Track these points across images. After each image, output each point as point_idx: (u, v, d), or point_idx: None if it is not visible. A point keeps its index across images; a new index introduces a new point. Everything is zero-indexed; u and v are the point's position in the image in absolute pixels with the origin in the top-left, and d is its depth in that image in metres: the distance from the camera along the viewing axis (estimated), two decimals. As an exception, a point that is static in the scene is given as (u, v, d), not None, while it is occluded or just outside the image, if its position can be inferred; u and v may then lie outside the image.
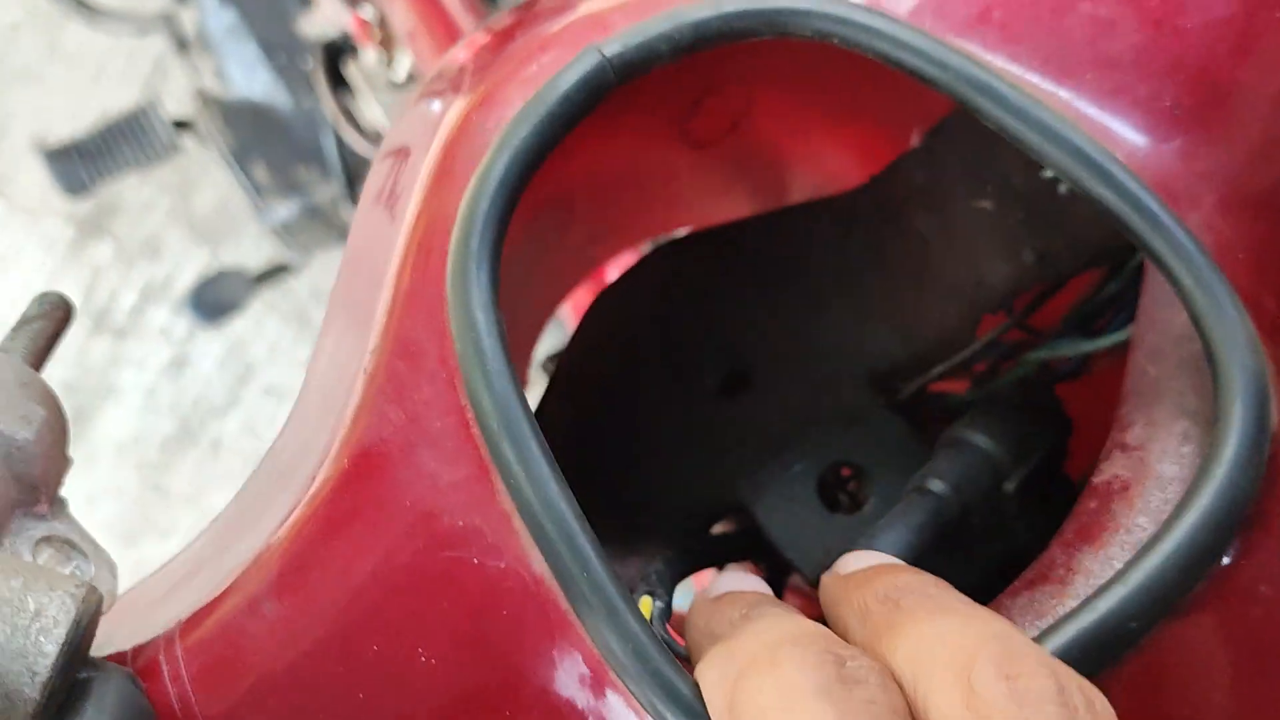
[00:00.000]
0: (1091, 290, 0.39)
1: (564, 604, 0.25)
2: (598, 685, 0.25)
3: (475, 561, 0.26)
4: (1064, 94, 0.31)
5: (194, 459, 1.54)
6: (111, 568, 0.27)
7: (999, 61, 0.31)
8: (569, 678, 0.25)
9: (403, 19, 0.96)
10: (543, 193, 0.42)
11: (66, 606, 0.21)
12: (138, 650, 0.26)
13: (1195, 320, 0.27)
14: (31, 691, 0.20)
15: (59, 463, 0.27)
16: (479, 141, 0.30)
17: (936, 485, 0.33)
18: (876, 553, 0.26)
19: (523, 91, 0.30)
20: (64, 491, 0.28)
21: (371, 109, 1.04)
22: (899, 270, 0.40)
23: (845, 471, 0.41)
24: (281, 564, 0.26)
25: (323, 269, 1.47)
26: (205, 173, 1.58)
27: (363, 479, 0.27)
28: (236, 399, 1.56)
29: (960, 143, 0.37)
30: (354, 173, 1.18)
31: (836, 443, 0.39)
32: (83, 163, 1.36)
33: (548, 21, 0.33)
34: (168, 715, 0.25)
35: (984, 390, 0.41)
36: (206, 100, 1.22)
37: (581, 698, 0.25)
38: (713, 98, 0.41)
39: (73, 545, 0.26)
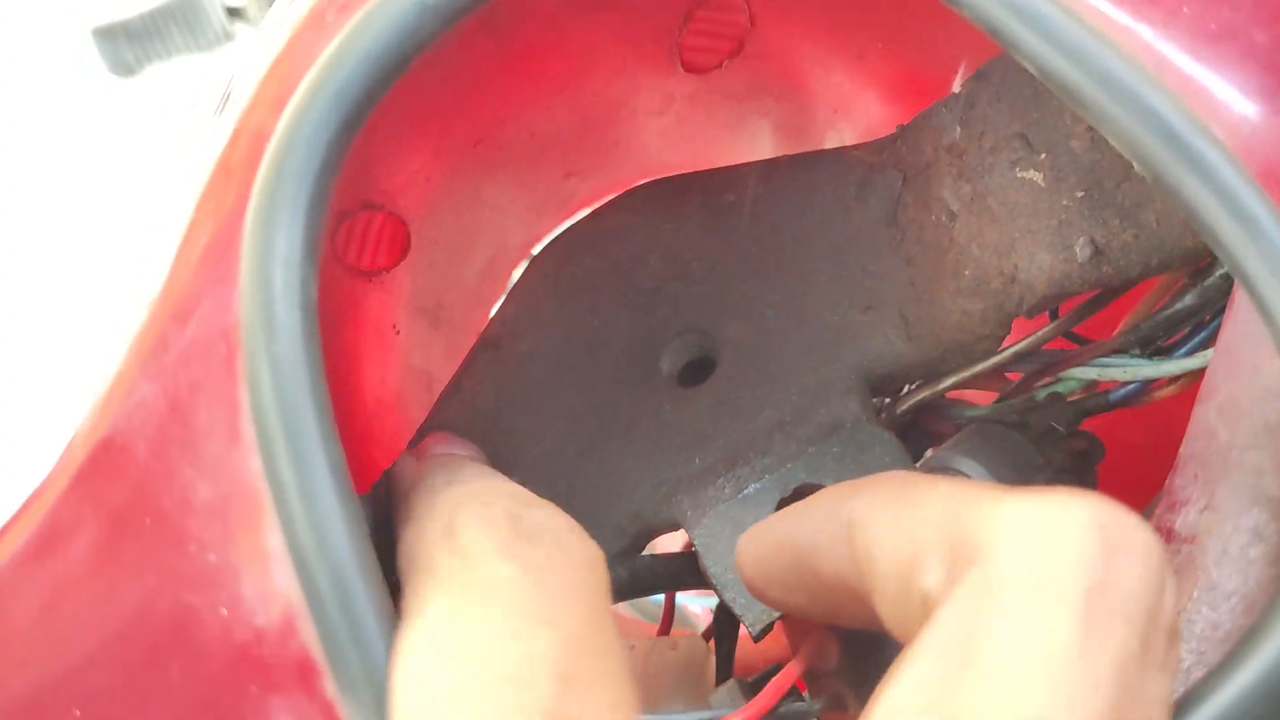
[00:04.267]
0: (1165, 298, 0.30)
1: (330, 690, 0.18)
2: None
3: (223, 613, 0.19)
4: (1146, 33, 0.22)
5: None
6: None
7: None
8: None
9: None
10: (489, 113, 0.34)
11: None
12: None
13: None
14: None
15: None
16: (330, 34, 0.23)
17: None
18: None
19: None
20: None
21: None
22: (915, 249, 0.31)
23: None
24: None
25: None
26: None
27: (98, 480, 0.20)
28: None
29: (1010, 91, 0.29)
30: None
31: (809, 459, 0.30)
32: (130, 44, 1.33)
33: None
34: None
35: (1010, 408, 0.32)
36: (254, -13, 1.17)
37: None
38: (705, 9, 0.32)
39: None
